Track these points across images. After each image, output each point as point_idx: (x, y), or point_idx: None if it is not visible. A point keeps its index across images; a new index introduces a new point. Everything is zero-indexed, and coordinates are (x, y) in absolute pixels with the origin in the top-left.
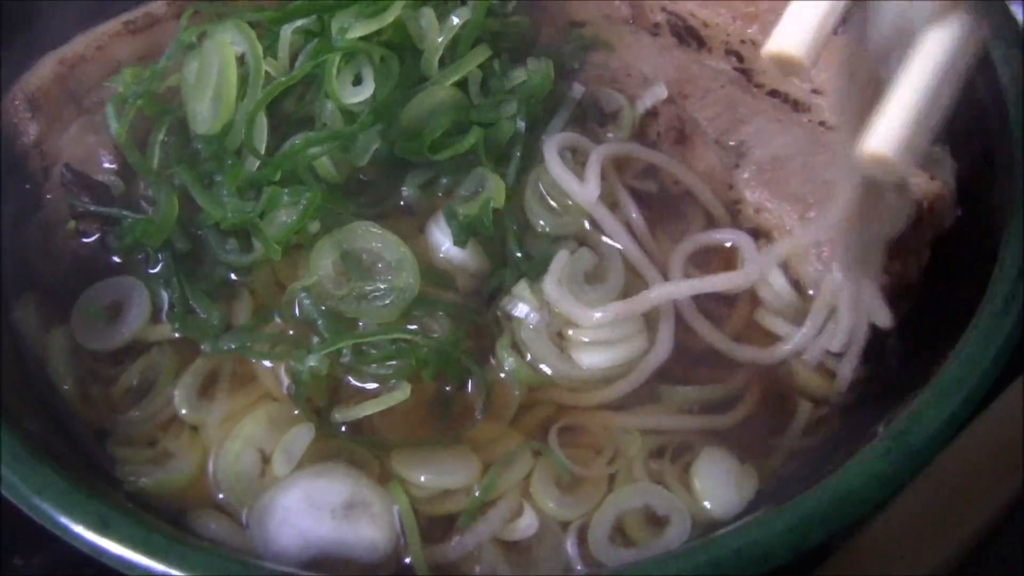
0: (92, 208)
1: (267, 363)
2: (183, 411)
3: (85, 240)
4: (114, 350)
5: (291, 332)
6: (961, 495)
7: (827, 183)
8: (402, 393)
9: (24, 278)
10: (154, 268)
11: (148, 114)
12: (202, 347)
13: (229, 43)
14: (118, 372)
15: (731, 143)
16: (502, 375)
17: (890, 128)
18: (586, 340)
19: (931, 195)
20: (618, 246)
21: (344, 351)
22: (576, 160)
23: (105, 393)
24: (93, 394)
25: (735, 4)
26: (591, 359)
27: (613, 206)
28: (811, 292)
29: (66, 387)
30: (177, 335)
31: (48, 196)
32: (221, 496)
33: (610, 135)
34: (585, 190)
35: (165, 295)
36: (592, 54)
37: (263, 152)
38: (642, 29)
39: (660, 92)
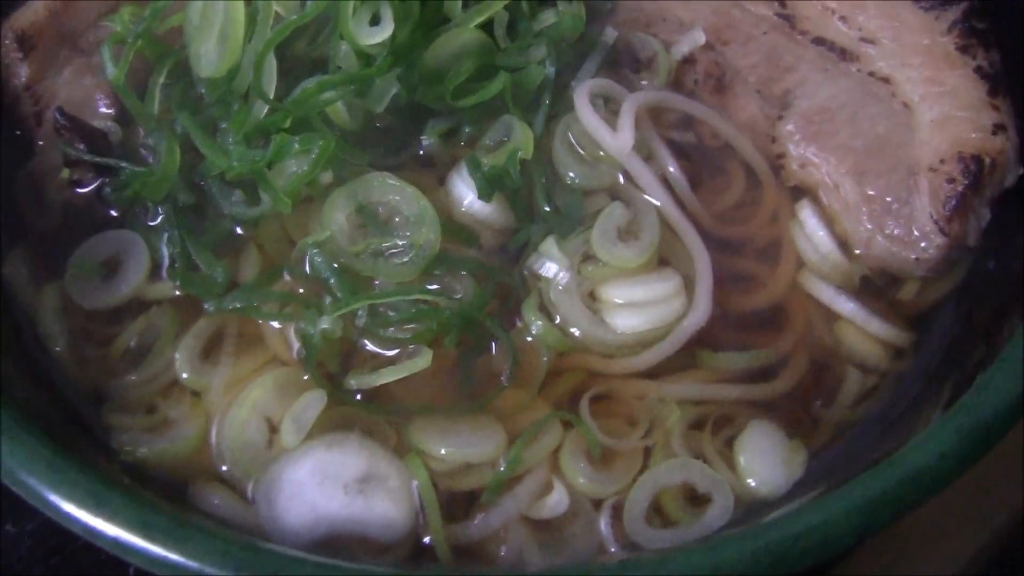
0: (87, 157)
1: (275, 324)
2: (184, 375)
3: (80, 191)
4: (111, 309)
5: (301, 291)
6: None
7: (879, 136)
8: (423, 360)
9: (14, 231)
10: (154, 221)
11: (148, 55)
12: (205, 306)
13: None
14: (115, 332)
15: (775, 93)
16: (529, 339)
17: None
18: (619, 302)
19: (992, 151)
20: (655, 202)
21: (359, 312)
22: (609, 109)
23: (101, 355)
24: (88, 356)
25: None
26: (625, 321)
27: (648, 158)
28: (858, 251)
29: (58, 348)
30: (178, 293)
31: (40, 143)
32: (225, 468)
33: (644, 83)
34: (618, 140)
35: (166, 250)
36: None
37: (272, 97)
38: None
39: (698, 37)
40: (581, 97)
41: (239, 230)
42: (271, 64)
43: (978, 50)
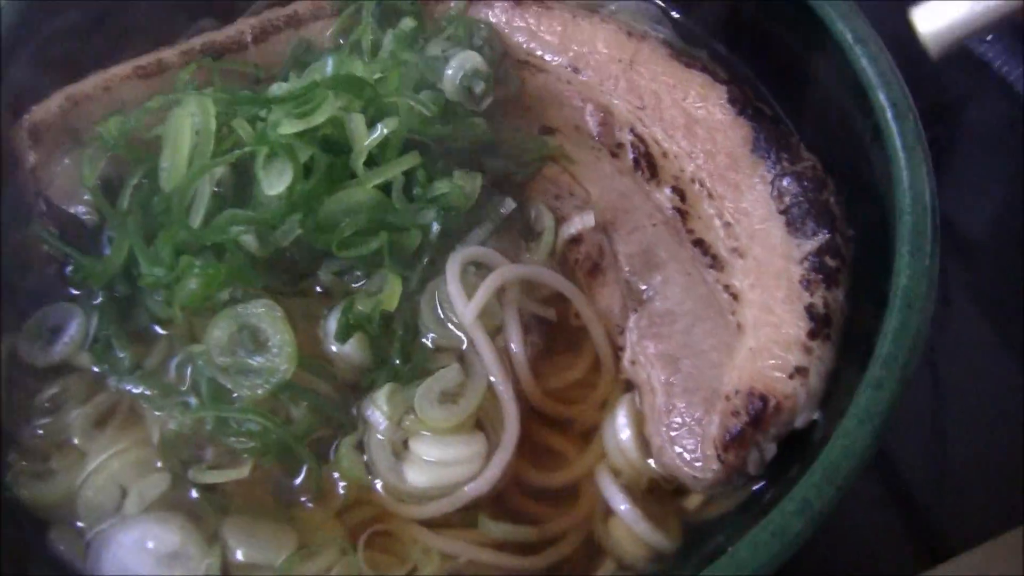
0: (51, 241)
1: (156, 412)
2: (75, 438)
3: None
4: (45, 367)
5: (182, 388)
6: None
7: (703, 353)
8: (238, 472)
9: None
10: (96, 301)
11: (126, 158)
12: (108, 381)
13: (188, 115)
14: (40, 387)
15: (640, 286)
16: (335, 473)
17: None
18: (425, 457)
19: (780, 394)
20: (488, 373)
21: (208, 420)
22: (481, 275)
23: (25, 403)
24: (14, 402)
25: (699, 138)
26: (415, 476)
27: (498, 329)
28: (650, 458)
29: None
30: (94, 367)
31: (37, 217)
32: (78, 521)
33: (526, 255)
34: (467, 309)
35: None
36: (548, 165)
37: (201, 218)
38: (605, 147)
39: (588, 220)
40: (452, 263)
41: (156, 326)
42: (203, 190)
43: (819, 287)
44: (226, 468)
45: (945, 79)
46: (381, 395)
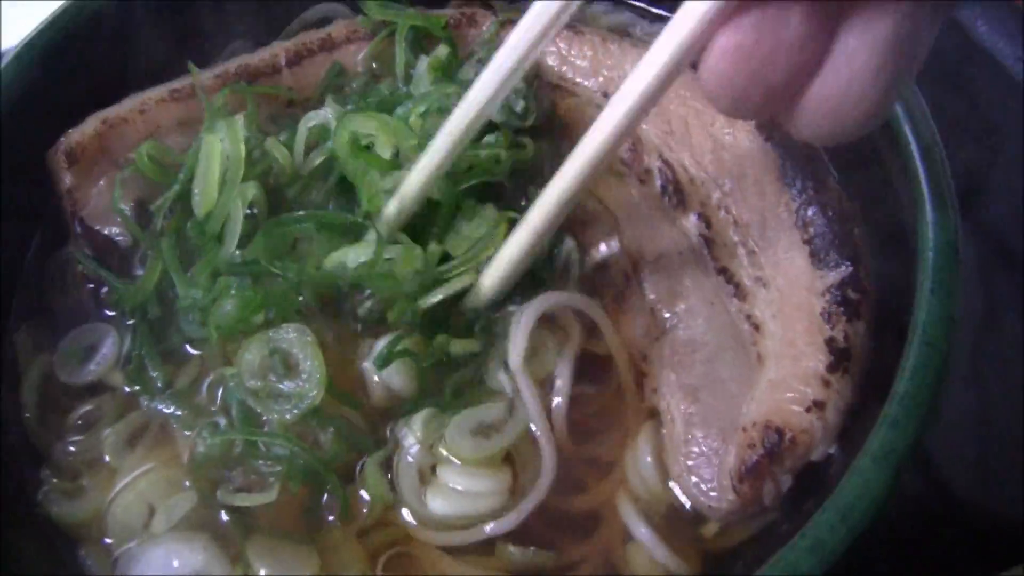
0: (85, 262)
1: (187, 432)
2: (106, 456)
3: (89, 285)
4: (79, 385)
5: (213, 409)
6: None
7: (723, 383)
8: (266, 496)
9: (33, 305)
10: (129, 322)
11: (160, 182)
12: (141, 400)
13: (218, 140)
14: (74, 405)
15: (665, 314)
16: (362, 491)
17: None
18: (451, 485)
19: (796, 427)
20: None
21: (237, 442)
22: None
23: (58, 421)
24: (48, 420)
25: (726, 164)
26: (436, 504)
27: (549, 378)
28: (671, 484)
29: (27, 415)
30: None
31: (72, 239)
32: (107, 538)
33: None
34: (512, 357)
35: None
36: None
37: (234, 243)
38: (633, 173)
39: (614, 246)
40: (528, 315)
41: (188, 346)
42: (236, 214)
43: (840, 320)
44: (253, 490)
45: (984, 99)
46: (418, 418)
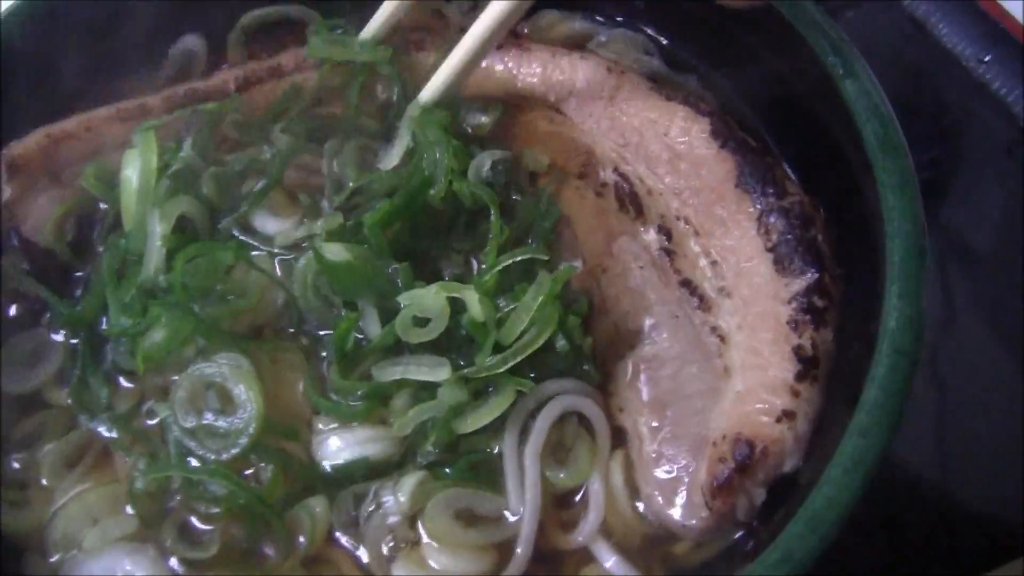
0: (23, 281)
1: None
2: (43, 479)
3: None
4: (23, 396)
5: (153, 434)
6: None
7: (689, 398)
8: (204, 551)
9: None
10: (73, 341)
11: (102, 199)
12: (79, 419)
13: (138, 153)
14: (19, 417)
15: (630, 329)
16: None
17: None
18: (431, 563)
19: (766, 438)
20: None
21: (174, 479)
22: None
23: (5, 434)
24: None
25: (683, 173)
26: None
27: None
28: (639, 503)
29: None
30: (69, 402)
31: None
32: (49, 547)
33: None
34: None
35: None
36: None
37: (156, 261)
38: (589, 187)
39: (575, 265)
40: (544, 419)
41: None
42: (152, 230)
43: (807, 328)
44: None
45: (946, 100)
46: (408, 482)
